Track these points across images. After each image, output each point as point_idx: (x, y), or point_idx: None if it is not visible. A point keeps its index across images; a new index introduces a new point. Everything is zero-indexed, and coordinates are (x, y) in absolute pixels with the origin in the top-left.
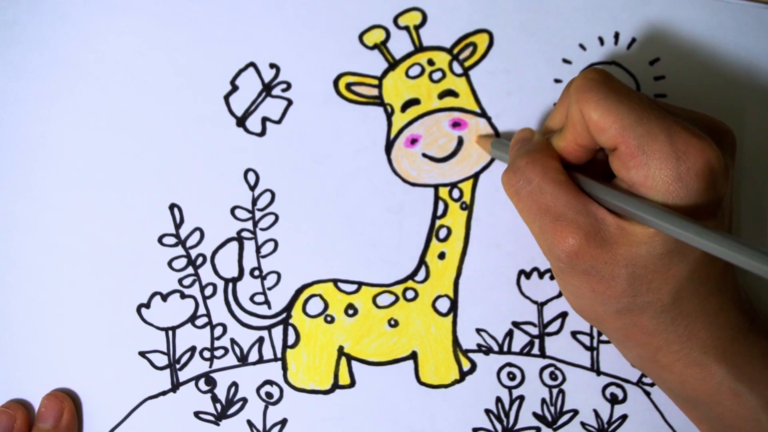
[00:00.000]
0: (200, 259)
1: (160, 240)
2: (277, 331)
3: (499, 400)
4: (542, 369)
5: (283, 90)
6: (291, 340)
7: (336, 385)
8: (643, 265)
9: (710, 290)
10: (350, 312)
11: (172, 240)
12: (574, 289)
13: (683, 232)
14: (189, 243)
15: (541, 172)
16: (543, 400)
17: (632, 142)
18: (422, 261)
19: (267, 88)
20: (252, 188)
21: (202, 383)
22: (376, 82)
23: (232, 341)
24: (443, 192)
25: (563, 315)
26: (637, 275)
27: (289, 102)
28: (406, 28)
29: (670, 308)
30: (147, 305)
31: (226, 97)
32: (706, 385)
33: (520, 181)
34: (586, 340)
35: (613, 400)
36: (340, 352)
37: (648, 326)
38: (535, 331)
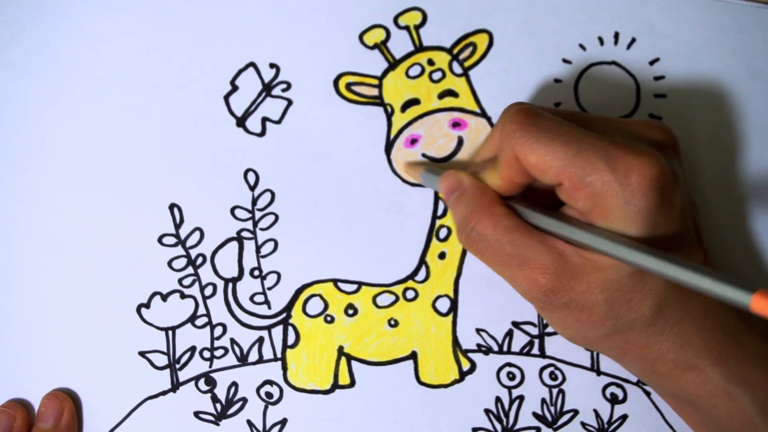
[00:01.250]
0: (200, 259)
1: (160, 240)
2: (277, 331)
3: (498, 400)
4: (542, 369)
5: (283, 90)
6: (291, 340)
7: (336, 385)
8: (617, 288)
9: (691, 293)
10: (350, 312)
11: (172, 240)
12: (560, 322)
13: (633, 259)
14: (189, 243)
15: (492, 224)
16: (543, 400)
17: (574, 177)
18: (422, 261)
19: (267, 88)
20: (252, 188)
21: (202, 383)
22: (376, 82)
23: (232, 341)
24: None
25: None
26: (614, 298)
27: (289, 102)
28: (406, 27)
29: (656, 320)
30: (147, 305)
31: (226, 97)
32: (702, 389)
33: (476, 243)
34: None
35: (613, 400)
36: (340, 352)
37: (639, 342)
38: (535, 331)
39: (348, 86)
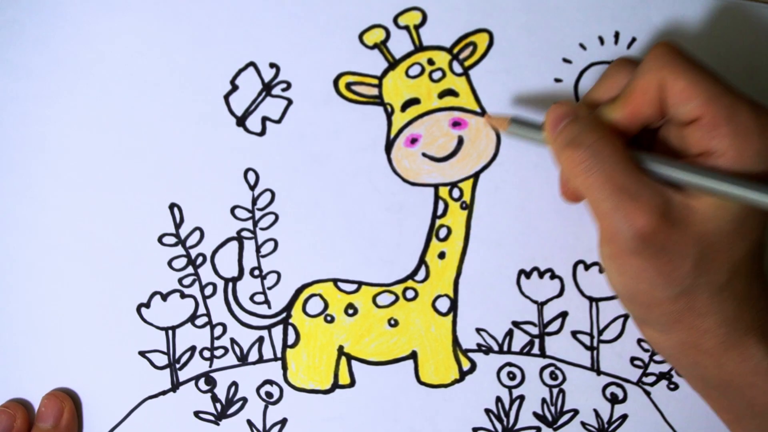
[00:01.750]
0: (200, 259)
1: (160, 240)
2: (277, 331)
3: (499, 399)
4: (542, 369)
5: (283, 90)
6: (291, 339)
7: (336, 385)
8: (710, 243)
9: (757, 273)
10: (350, 312)
11: (172, 240)
12: (636, 272)
13: (761, 199)
14: (189, 242)
15: (613, 149)
16: (543, 400)
17: (719, 112)
18: (422, 260)
19: (267, 88)
20: (252, 188)
21: (202, 383)
22: (376, 81)
23: (232, 341)
24: (443, 191)
25: (563, 315)
26: (704, 254)
27: (289, 102)
28: (406, 27)
29: (724, 289)
30: (147, 305)
31: (226, 97)
32: (743, 367)
33: (590, 158)
34: (586, 339)
35: (613, 400)
36: (340, 351)
37: (701, 308)
38: (535, 330)
39: (348, 86)
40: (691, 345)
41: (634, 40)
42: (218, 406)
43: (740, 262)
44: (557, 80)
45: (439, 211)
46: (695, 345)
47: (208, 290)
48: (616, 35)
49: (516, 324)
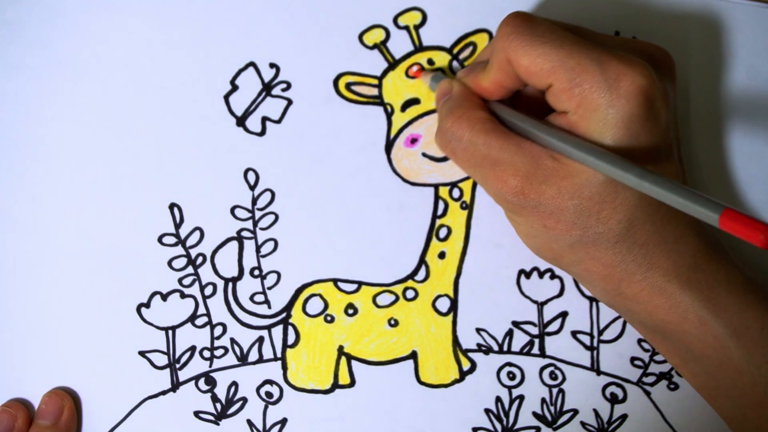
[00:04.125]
0: (200, 259)
1: (160, 240)
2: (277, 331)
3: (498, 399)
4: (542, 369)
5: (283, 90)
6: (291, 339)
7: (336, 385)
8: (588, 196)
9: (665, 217)
10: (350, 311)
11: (172, 240)
12: (527, 228)
13: (614, 170)
14: (189, 242)
15: (468, 126)
16: (543, 400)
17: (564, 77)
18: (422, 260)
19: (267, 88)
20: (252, 188)
21: (202, 383)
22: (376, 81)
23: (232, 341)
24: (443, 191)
25: (563, 315)
26: (583, 207)
27: (289, 102)
28: (406, 27)
29: (624, 237)
30: (147, 305)
31: (226, 97)
32: (672, 314)
33: (451, 142)
34: (586, 339)
35: (613, 400)
36: (340, 351)
37: (605, 258)
38: (535, 330)
39: (348, 86)
40: (615, 293)
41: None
42: (218, 406)
43: (634, 210)
44: None
45: (439, 211)
46: (618, 292)
47: (208, 290)
48: (616, 35)
49: (516, 324)
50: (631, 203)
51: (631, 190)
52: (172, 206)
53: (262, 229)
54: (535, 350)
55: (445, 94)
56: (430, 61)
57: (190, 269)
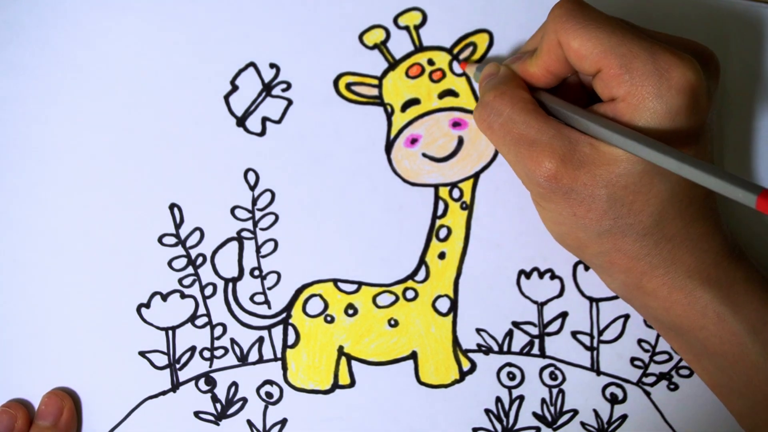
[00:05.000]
0: (200, 259)
1: (160, 240)
2: (277, 331)
3: (498, 399)
4: (542, 369)
5: (283, 90)
6: (291, 339)
7: (336, 385)
8: (623, 185)
9: (694, 215)
10: (350, 312)
11: (172, 240)
12: (554, 215)
13: (656, 154)
14: (189, 243)
15: (510, 102)
16: (543, 400)
17: (614, 62)
18: (422, 261)
19: (267, 88)
20: (252, 188)
21: (202, 383)
22: (376, 82)
23: (232, 341)
24: (443, 192)
25: (563, 315)
26: (617, 196)
27: (289, 102)
28: (406, 28)
29: (653, 231)
30: (147, 305)
31: (226, 97)
32: (691, 310)
33: (490, 115)
34: (586, 340)
35: (613, 400)
36: (340, 351)
37: (631, 250)
38: (535, 331)
39: (348, 86)
40: (635, 286)
41: None
42: (218, 406)
43: (665, 205)
44: None
45: (439, 212)
46: (638, 286)
47: (208, 290)
48: None
49: (516, 324)
50: (664, 197)
51: (665, 183)
52: (172, 206)
53: (262, 229)
54: (535, 350)
55: (490, 75)
56: (431, 62)
57: (190, 269)
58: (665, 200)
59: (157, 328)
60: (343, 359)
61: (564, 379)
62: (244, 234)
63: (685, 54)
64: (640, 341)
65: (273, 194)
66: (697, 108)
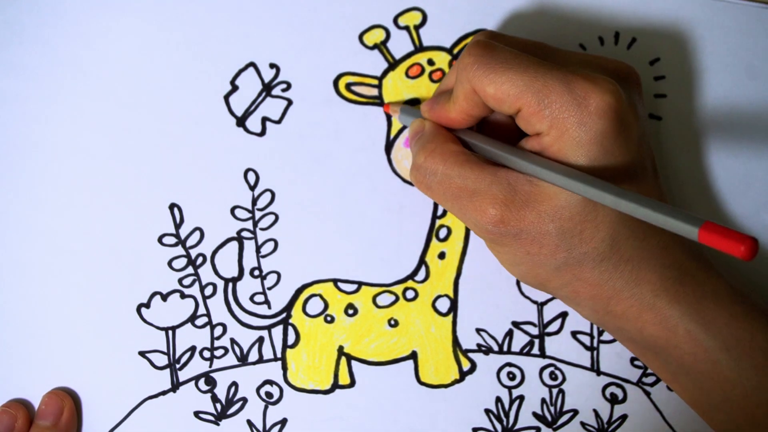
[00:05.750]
0: (200, 259)
1: (160, 240)
2: (277, 331)
3: (498, 399)
4: (542, 369)
5: (283, 90)
6: (291, 339)
7: (336, 385)
8: (569, 217)
9: (648, 231)
10: (350, 312)
11: (172, 240)
12: (510, 257)
13: (579, 189)
14: (189, 243)
15: (441, 159)
16: (543, 400)
17: (531, 100)
18: (422, 261)
19: (267, 88)
20: (252, 188)
21: (202, 383)
22: (376, 82)
23: (232, 341)
24: None
25: (563, 315)
26: (565, 228)
27: (289, 102)
28: (406, 28)
29: (609, 255)
30: (147, 305)
31: (226, 97)
32: (662, 329)
33: (426, 176)
34: (586, 340)
35: (613, 400)
36: (340, 351)
37: (591, 278)
38: (535, 331)
39: (348, 86)
40: (603, 312)
41: (634, 40)
42: (218, 406)
43: (616, 226)
44: None
45: (439, 211)
46: (607, 311)
47: (208, 290)
48: (616, 35)
49: (516, 324)
50: (612, 219)
51: (607, 209)
52: (172, 206)
53: (262, 229)
54: (535, 350)
55: (417, 133)
56: (431, 62)
57: (190, 269)
58: (614, 222)
59: (157, 328)
60: (343, 359)
61: (564, 379)
62: (244, 234)
63: (600, 76)
64: None
65: (273, 194)
66: (623, 127)
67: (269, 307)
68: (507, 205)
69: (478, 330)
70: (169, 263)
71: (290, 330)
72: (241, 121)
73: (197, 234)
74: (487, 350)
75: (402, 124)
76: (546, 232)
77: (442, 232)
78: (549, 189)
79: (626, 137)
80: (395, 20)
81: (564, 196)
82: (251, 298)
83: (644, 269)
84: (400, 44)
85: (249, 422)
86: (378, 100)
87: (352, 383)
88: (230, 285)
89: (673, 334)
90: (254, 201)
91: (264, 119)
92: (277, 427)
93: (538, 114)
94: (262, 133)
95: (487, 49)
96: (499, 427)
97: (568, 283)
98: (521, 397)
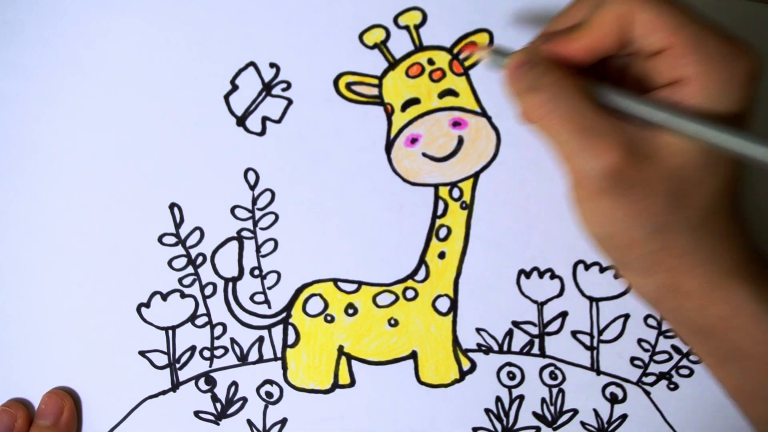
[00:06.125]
0: (200, 259)
1: (160, 239)
2: (277, 331)
3: (498, 399)
4: (542, 368)
5: (283, 89)
6: (291, 339)
7: (336, 385)
8: (681, 178)
9: (733, 212)
10: (350, 311)
11: (172, 239)
12: (609, 213)
13: (740, 141)
14: (189, 242)
15: (573, 88)
16: (543, 400)
17: (687, 40)
18: (422, 260)
19: (267, 88)
20: (252, 188)
21: (202, 383)
22: (376, 81)
23: (232, 341)
24: (443, 191)
25: (563, 314)
26: (675, 190)
27: (289, 101)
28: (406, 27)
29: (701, 226)
30: (147, 305)
31: (226, 97)
32: (726, 309)
33: (548, 102)
34: (586, 339)
35: (613, 400)
36: (340, 351)
37: (679, 247)
38: (535, 330)
39: (348, 86)
40: (673, 288)
41: None
42: (218, 405)
43: (715, 199)
44: None
45: (439, 211)
46: (677, 287)
47: (208, 290)
48: None
49: (516, 324)
50: (714, 191)
51: (717, 177)
52: (172, 206)
53: (262, 229)
54: (535, 350)
55: (528, 62)
56: (431, 61)
57: (190, 269)
58: (715, 194)
59: (157, 327)
60: (343, 359)
61: (564, 379)
62: (244, 233)
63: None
64: (640, 341)
65: (273, 194)
66: (752, 97)
67: (269, 307)
68: (627, 155)
69: (478, 330)
70: (169, 263)
71: (290, 330)
72: (241, 121)
73: (197, 233)
74: (487, 350)
75: (492, 66)
76: (658, 191)
77: (442, 232)
78: (674, 146)
79: (749, 107)
80: (395, 20)
81: (682, 157)
82: (251, 298)
83: (723, 247)
84: (400, 44)
85: (249, 422)
86: (378, 100)
87: (352, 383)
88: (230, 285)
89: (736, 314)
90: (254, 201)
91: (264, 119)
92: (277, 426)
93: (689, 56)
94: (262, 133)
95: None
96: (499, 426)
97: (652, 251)
98: (521, 397)
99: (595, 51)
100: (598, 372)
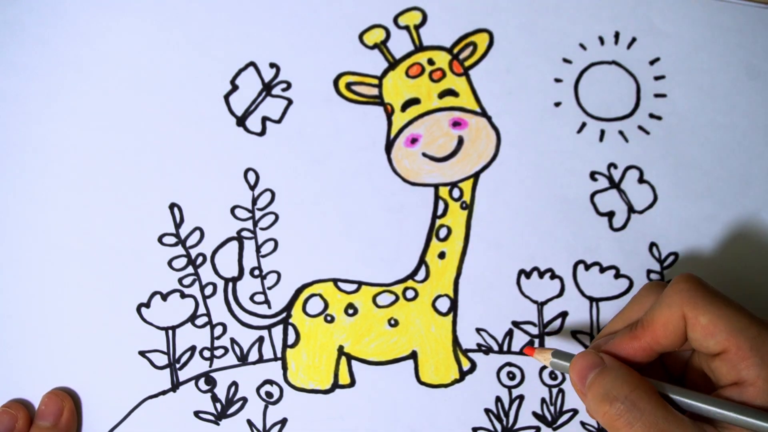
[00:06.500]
0: (200, 259)
1: (160, 239)
2: (277, 331)
3: (498, 399)
4: (542, 369)
5: (283, 89)
6: (291, 339)
7: (336, 385)
8: None
9: None
10: (350, 311)
11: (172, 239)
12: None
13: None
14: (189, 242)
15: (649, 398)
16: (543, 400)
17: (744, 344)
18: (422, 260)
19: (267, 88)
20: (252, 188)
21: (202, 383)
22: (376, 81)
23: (232, 341)
24: (443, 191)
25: (563, 315)
26: None
27: (289, 101)
28: (407, 27)
29: None
30: (147, 305)
31: (226, 97)
32: None
33: (627, 413)
34: (586, 339)
35: None
36: (340, 351)
37: None
38: (535, 330)
39: (348, 86)
40: None
41: (634, 40)
42: (218, 406)
43: None
44: (557, 80)
45: (439, 211)
46: None
47: (208, 290)
48: (616, 35)
49: (516, 324)
50: None
51: None
52: (172, 206)
53: (262, 229)
54: None
55: (593, 366)
56: (431, 61)
57: (190, 269)
58: None
59: (157, 327)
60: (343, 359)
61: (564, 379)
62: (244, 234)
63: None
64: None
65: (273, 194)
66: None
67: (269, 307)
68: None
69: (478, 330)
70: (169, 263)
71: (290, 330)
72: (241, 121)
73: (197, 234)
74: (487, 350)
75: (554, 369)
76: None
77: (442, 232)
78: None
79: None
80: (395, 20)
81: None
82: (251, 298)
83: None
84: (400, 44)
85: (249, 422)
86: (378, 100)
87: (352, 383)
88: (230, 285)
89: None
90: (254, 201)
91: (264, 119)
92: (277, 426)
93: (748, 360)
94: (262, 133)
95: (702, 282)
96: (498, 426)
97: None
98: (521, 397)
99: (654, 350)
100: None
